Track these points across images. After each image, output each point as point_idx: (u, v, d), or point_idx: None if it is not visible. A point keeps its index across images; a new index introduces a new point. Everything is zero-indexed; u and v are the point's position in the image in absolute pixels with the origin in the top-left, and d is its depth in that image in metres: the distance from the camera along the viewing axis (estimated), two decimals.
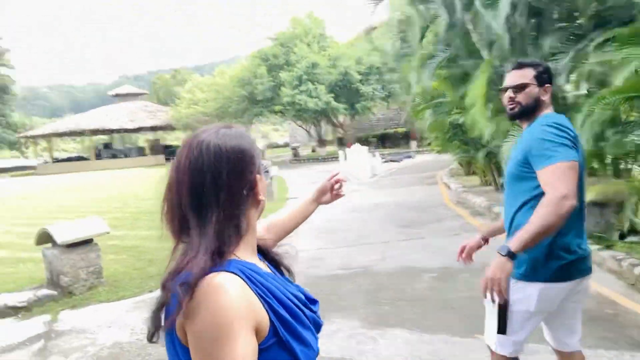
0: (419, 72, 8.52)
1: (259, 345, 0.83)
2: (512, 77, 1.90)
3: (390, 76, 23.79)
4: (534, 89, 1.86)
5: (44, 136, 36.94)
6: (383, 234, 7.02)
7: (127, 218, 10.00)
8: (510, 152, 1.97)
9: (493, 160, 8.69)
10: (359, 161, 21.54)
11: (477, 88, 6.34)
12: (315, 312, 0.99)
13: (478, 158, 8.79)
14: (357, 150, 22.09)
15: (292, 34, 25.94)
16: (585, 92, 5.45)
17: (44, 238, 5.21)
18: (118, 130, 36.02)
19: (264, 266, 0.98)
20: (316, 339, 0.95)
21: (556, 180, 1.62)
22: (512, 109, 1.90)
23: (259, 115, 28.19)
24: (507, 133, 6.20)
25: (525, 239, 1.62)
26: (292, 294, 0.94)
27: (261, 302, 0.85)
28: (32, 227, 7.02)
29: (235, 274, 0.84)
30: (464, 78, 7.26)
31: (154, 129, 36.84)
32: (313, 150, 30.75)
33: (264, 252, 1.05)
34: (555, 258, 1.76)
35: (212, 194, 0.87)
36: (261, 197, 0.94)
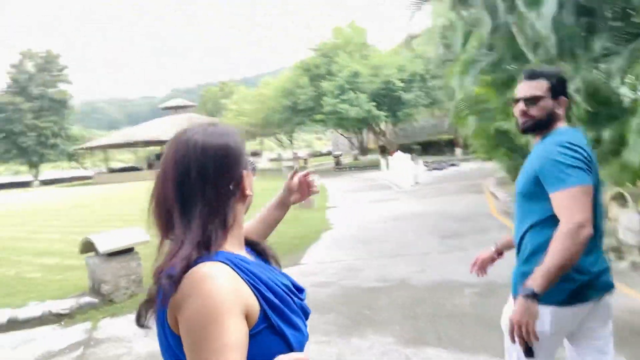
0: (462, 77, 8.27)
1: (250, 330, 0.84)
2: (525, 88, 1.79)
3: (433, 83, 23.42)
4: (548, 102, 1.76)
5: (100, 147, 38.97)
6: (423, 244, 6.79)
7: None
8: (525, 163, 1.84)
9: None
10: (401, 169, 21.21)
11: None
12: (302, 300, 1.01)
13: None
14: (399, 158, 21.75)
15: (333, 44, 26.08)
16: None
17: (88, 247, 5.39)
18: (168, 142, 37.31)
19: (251, 258, 1.00)
20: (305, 325, 0.97)
21: (571, 207, 1.55)
22: (524, 123, 1.80)
23: (301, 125, 28.44)
24: None
25: (548, 276, 1.54)
26: (279, 281, 0.96)
27: (250, 288, 0.86)
28: (83, 235, 7.32)
29: (224, 262, 0.86)
30: (509, 82, 6.95)
31: None
32: (355, 159, 30.61)
33: (251, 245, 1.07)
34: (567, 280, 1.64)
35: (198, 188, 0.89)
36: (248, 192, 0.96)
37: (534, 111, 1.76)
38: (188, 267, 0.83)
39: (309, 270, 6.00)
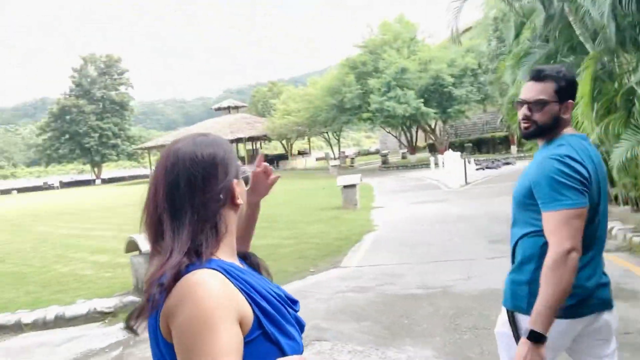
0: (515, 71, 7.83)
1: (244, 338, 0.84)
2: (530, 90, 1.68)
3: (485, 77, 22.51)
4: (553, 107, 1.65)
5: (156, 147, 40.63)
6: (469, 249, 6.45)
7: None
8: (525, 169, 1.76)
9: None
10: (450, 168, 20.54)
11: (580, 86, 5.58)
12: (296, 311, 1.01)
13: None
14: (449, 157, 21.07)
15: (381, 40, 25.65)
16: None
17: (132, 246, 5.52)
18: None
19: (244, 267, 1.00)
20: (300, 335, 0.96)
21: (560, 233, 1.50)
22: (526, 127, 1.70)
23: (348, 123, 28.23)
24: (619, 137, 5.37)
25: (549, 314, 1.49)
26: (273, 290, 0.96)
27: (243, 295, 0.86)
28: (135, 234, 7.56)
29: (216, 269, 0.86)
30: None
31: (251, 139, 38.72)
32: (403, 157, 30.02)
33: (243, 257, 1.07)
34: None
35: (187, 198, 0.90)
36: (239, 201, 0.96)
37: (538, 116, 1.66)
38: (179, 274, 0.83)
39: (347, 274, 5.85)
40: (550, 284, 1.50)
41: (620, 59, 5.71)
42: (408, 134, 30.43)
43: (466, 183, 15.07)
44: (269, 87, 54.89)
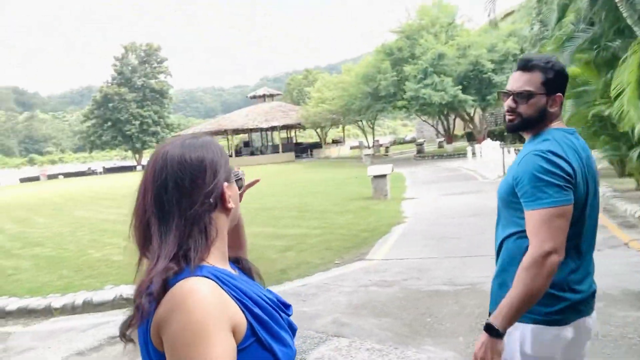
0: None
1: (238, 346, 0.83)
2: (516, 81, 1.58)
3: None
4: (540, 99, 1.55)
5: None
6: None
7: (248, 213, 10.44)
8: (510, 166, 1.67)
9: None
10: (488, 158, 19.90)
11: (627, 73, 5.20)
12: (289, 316, 1.00)
13: (632, 157, 7.29)
14: (487, 146, 20.43)
15: (418, 25, 24.94)
16: None
17: None
18: (254, 130, 38.77)
19: (236, 273, 0.99)
20: (292, 340, 0.96)
21: (541, 233, 1.42)
22: (511, 120, 1.61)
23: (382, 111, 27.76)
24: None
25: (512, 314, 1.44)
26: (265, 296, 0.95)
27: (236, 303, 0.85)
28: None
29: (209, 277, 0.84)
30: (611, 62, 6.03)
31: (286, 127, 38.85)
32: (440, 146, 29.33)
33: (235, 261, 1.06)
34: (549, 297, 1.50)
35: (174, 202, 0.88)
36: (230, 205, 0.95)
37: (523, 108, 1.57)
38: (167, 281, 0.81)
39: (372, 267, 5.72)
40: (521, 285, 1.43)
41: None
42: (445, 123, 29.67)
43: (504, 174, 14.51)
44: (304, 74, 54.81)
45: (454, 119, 29.72)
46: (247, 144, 42.81)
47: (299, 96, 48.60)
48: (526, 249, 1.48)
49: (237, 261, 1.07)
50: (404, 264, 5.69)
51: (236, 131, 38.60)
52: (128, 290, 5.13)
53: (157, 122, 54.87)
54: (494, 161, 18.60)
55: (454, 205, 9.63)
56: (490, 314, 1.60)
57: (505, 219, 1.64)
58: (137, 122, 52.96)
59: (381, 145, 35.02)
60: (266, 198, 13.09)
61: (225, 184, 0.95)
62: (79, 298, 4.99)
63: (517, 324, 1.53)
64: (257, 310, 0.88)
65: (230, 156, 38.50)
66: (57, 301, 5.00)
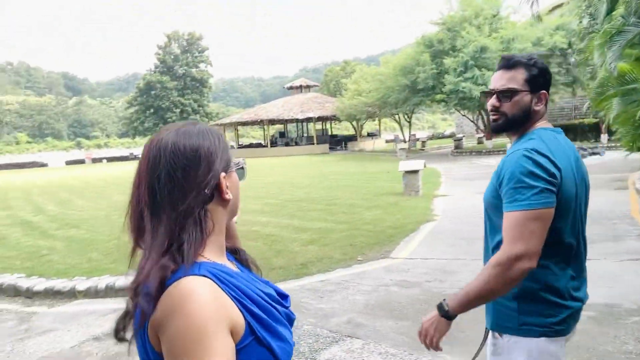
0: (605, 51, 6.92)
1: (236, 345, 0.82)
2: (499, 79, 1.53)
3: (576, 58, 20.49)
4: (524, 97, 1.51)
5: (230, 124, 42.02)
6: None
7: (277, 205, 10.48)
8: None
9: None
10: None
11: None
12: (287, 307, 0.99)
13: None
14: None
15: (461, 16, 24.14)
16: None
17: None
18: (290, 120, 38.89)
19: (232, 266, 0.96)
20: (290, 333, 0.95)
21: (514, 235, 1.37)
22: (495, 120, 1.56)
23: (420, 105, 27.15)
24: None
25: (465, 303, 1.44)
26: (263, 291, 0.93)
27: (234, 302, 0.84)
28: None
29: (206, 276, 0.82)
30: None
31: (321, 119, 38.74)
32: (479, 142, 28.47)
33: (232, 251, 1.04)
34: (550, 306, 1.45)
35: (167, 193, 0.85)
36: (227, 196, 0.91)
37: (507, 107, 1.52)
38: (164, 280, 0.79)
39: (395, 266, 5.56)
40: (481, 280, 1.40)
41: None
42: (485, 118, 28.74)
43: None
44: (342, 66, 54.44)
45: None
46: (282, 134, 43.07)
47: (335, 88, 48.33)
48: None
49: (234, 251, 1.04)
50: (429, 265, 5.50)
51: (272, 121, 38.82)
52: None
53: (197, 111, 56.09)
54: None
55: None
56: (486, 329, 1.59)
57: (493, 226, 1.56)
58: (178, 110, 54.32)
59: (418, 140, 34.32)
60: (296, 190, 13.07)
61: (223, 174, 0.91)
62: (102, 282, 5.09)
63: (521, 339, 1.48)
64: (255, 309, 0.86)
65: (265, 146, 39.06)
66: (81, 284, 5.12)
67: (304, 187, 13.55)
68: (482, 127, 29.85)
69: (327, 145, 35.41)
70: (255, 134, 71.77)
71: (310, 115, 36.15)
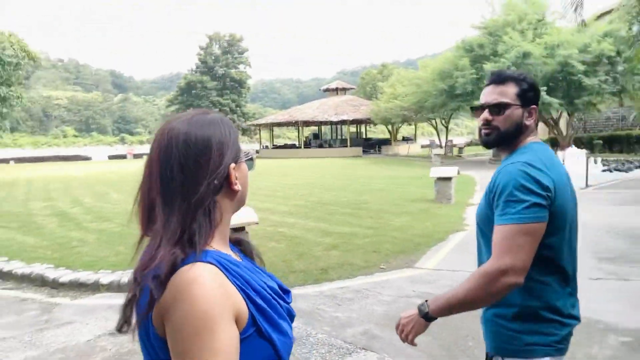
0: None
1: (239, 335, 0.81)
2: (490, 94, 1.55)
3: (624, 66, 19.49)
4: (515, 111, 1.52)
5: (266, 125, 42.47)
6: None
7: (305, 207, 10.42)
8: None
9: None
10: (570, 167, 18.32)
11: None
12: (288, 303, 0.99)
13: None
14: (571, 154, 18.87)
15: (503, 21, 23.41)
16: None
17: None
18: (324, 122, 38.92)
19: (236, 257, 0.96)
20: (291, 328, 0.95)
21: (502, 248, 1.36)
22: (487, 134, 1.55)
23: (457, 110, 26.53)
24: None
25: (446, 307, 1.43)
26: (266, 284, 0.93)
27: (239, 291, 0.84)
28: None
29: (212, 264, 0.83)
30: None
31: (355, 121, 38.57)
32: None
33: (236, 243, 1.04)
34: (553, 324, 1.42)
35: (179, 182, 0.86)
36: (236, 187, 0.91)
37: (499, 121, 1.52)
38: (174, 266, 0.79)
39: (420, 276, 5.36)
40: (465, 288, 1.39)
41: None
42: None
43: (586, 185, 13.27)
44: (380, 69, 54.04)
45: (537, 123, 27.71)
46: (316, 136, 43.18)
47: (371, 91, 47.98)
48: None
49: (238, 243, 1.04)
50: (456, 277, 5.28)
51: (306, 123, 38.95)
52: None
53: (234, 111, 57.07)
54: (576, 171, 17.12)
55: None
56: (487, 354, 1.55)
57: (488, 241, 1.49)
58: (216, 110, 55.36)
59: (454, 146, 33.58)
60: (325, 192, 12.98)
61: (233, 164, 0.91)
62: (125, 276, 5.15)
63: None
64: (258, 300, 0.87)
65: (299, 147, 39.19)
66: (105, 277, 5.20)
67: (333, 190, 13.45)
68: None
69: (360, 148, 35.20)
70: (290, 135, 72.36)
71: (345, 117, 36.03)
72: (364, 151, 35.04)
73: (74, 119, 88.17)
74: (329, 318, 4.15)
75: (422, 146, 41.00)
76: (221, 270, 0.83)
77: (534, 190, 1.36)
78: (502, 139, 1.54)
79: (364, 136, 44.50)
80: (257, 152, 41.74)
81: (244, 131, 58.29)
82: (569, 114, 24.30)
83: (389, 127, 37.19)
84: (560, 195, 1.41)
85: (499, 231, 1.38)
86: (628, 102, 22.92)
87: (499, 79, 1.54)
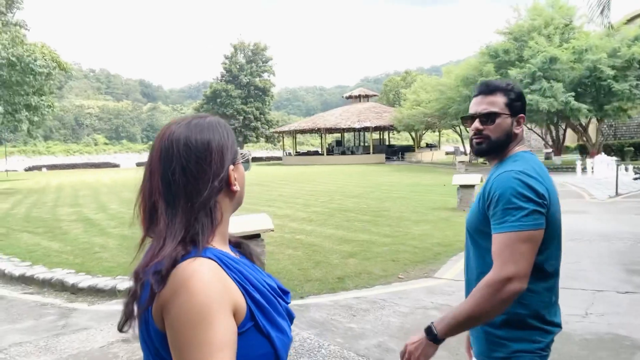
0: None
1: (237, 329, 0.82)
2: (479, 104, 1.58)
3: None
4: (505, 120, 1.55)
5: (289, 132, 42.69)
6: (598, 278, 5.30)
7: (324, 214, 10.36)
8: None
9: None
10: (599, 175, 17.80)
11: None
12: (288, 303, 1.00)
13: None
14: (601, 161, 18.33)
15: (529, 25, 22.97)
16: None
17: None
18: (347, 129, 38.89)
19: (236, 256, 0.98)
20: (290, 327, 0.95)
21: (504, 256, 1.36)
22: (479, 143, 1.58)
23: None
24: None
25: (453, 326, 1.40)
26: (265, 282, 0.94)
27: (237, 286, 0.85)
28: (250, 213, 7.83)
29: (211, 259, 0.84)
30: None
31: (378, 128, 38.40)
32: (547, 158, 26.88)
33: (236, 245, 1.05)
34: (540, 332, 1.44)
35: (181, 184, 0.88)
36: (235, 188, 0.94)
37: (490, 131, 1.55)
38: (175, 262, 0.81)
39: (438, 287, 5.22)
40: (471, 302, 1.37)
41: None
42: (554, 132, 27.12)
43: (616, 194, 12.79)
44: (403, 76, 53.78)
45: (565, 129, 27.03)
46: (339, 143, 43.18)
47: (395, 98, 47.79)
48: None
49: (237, 245, 1.06)
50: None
51: (329, 130, 39.01)
52: None
53: (258, 118, 57.55)
54: (606, 179, 16.59)
55: None
56: None
57: (479, 252, 1.53)
58: (241, 117, 56.01)
59: None
60: (346, 199, 12.90)
61: (232, 166, 0.94)
62: None
63: None
64: (257, 295, 0.88)
65: (322, 154, 39.27)
66: (123, 283, 5.24)
67: (354, 197, 13.35)
68: (550, 142, 28.19)
69: (383, 155, 34.99)
70: (314, 142, 72.59)
71: (367, 124, 35.92)
72: (387, 158, 34.81)
73: (104, 127, 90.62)
74: (343, 329, 4.07)
75: (447, 153, 40.46)
76: (220, 265, 0.85)
77: (532, 198, 1.38)
78: (493, 147, 1.57)
79: (387, 143, 44.24)
80: (280, 159, 41.87)
81: (268, 138, 58.71)
82: (598, 120, 23.61)
83: (412, 133, 36.86)
84: (553, 204, 1.43)
85: (499, 239, 1.38)
86: None
87: (488, 89, 1.57)
